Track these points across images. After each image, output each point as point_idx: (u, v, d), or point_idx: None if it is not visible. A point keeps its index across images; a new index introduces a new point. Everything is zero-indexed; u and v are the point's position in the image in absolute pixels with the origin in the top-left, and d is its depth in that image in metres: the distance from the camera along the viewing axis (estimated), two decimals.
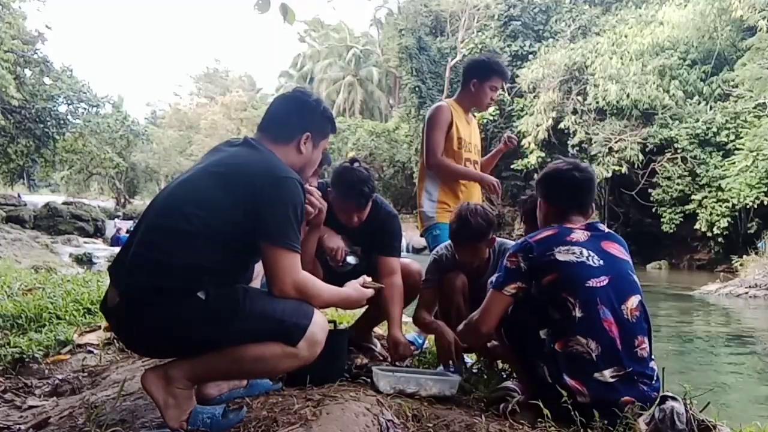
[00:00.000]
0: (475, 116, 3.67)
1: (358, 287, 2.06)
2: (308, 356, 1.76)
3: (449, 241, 2.76)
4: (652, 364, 2.02)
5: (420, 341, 3.20)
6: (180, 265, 1.68)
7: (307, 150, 1.97)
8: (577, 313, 1.93)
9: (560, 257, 2.02)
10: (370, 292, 2.10)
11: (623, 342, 1.94)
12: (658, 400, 2.10)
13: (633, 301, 2.01)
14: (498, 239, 2.73)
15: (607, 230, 2.18)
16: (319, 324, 1.77)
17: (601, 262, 2.03)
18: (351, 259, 2.72)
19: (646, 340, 2.00)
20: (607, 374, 1.91)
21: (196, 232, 1.69)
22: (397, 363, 2.62)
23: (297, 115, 1.97)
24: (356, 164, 2.64)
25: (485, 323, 2.14)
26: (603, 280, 1.99)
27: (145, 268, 1.70)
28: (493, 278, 2.17)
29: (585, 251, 2.04)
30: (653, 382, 2.00)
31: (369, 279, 2.14)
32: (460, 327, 2.32)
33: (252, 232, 1.72)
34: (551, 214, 2.23)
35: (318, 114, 2.01)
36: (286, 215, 1.73)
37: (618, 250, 2.14)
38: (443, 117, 3.34)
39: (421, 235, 3.51)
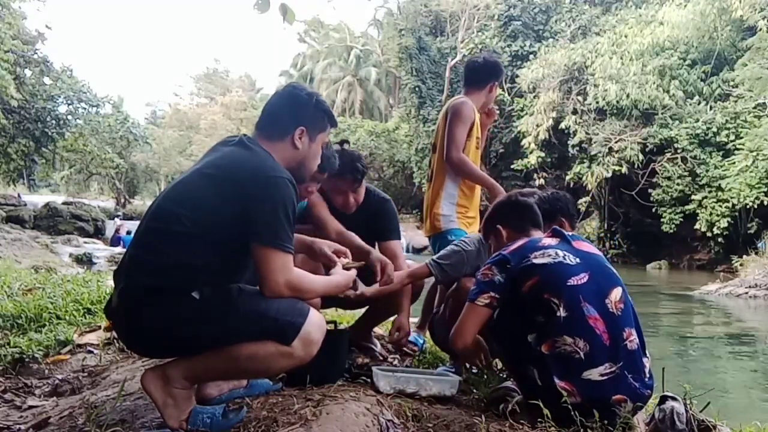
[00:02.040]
0: None
1: (341, 271, 2.07)
2: (303, 356, 1.74)
3: (476, 237, 2.71)
4: (644, 359, 2.01)
5: (420, 341, 3.20)
6: (175, 265, 1.68)
7: (303, 145, 1.93)
8: (562, 313, 1.93)
9: (537, 261, 2.03)
10: (353, 273, 2.12)
11: (611, 337, 1.93)
12: (658, 399, 2.10)
13: (616, 293, 2.01)
14: None
15: (570, 233, 2.20)
16: (315, 323, 1.75)
17: (578, 259, 2.04)
18: None
19: (634, 331, 1.99)
20: (596, 373, 1.89)
21: (189, 233, 1.69)
22: (397, 363, 2.62)
23: (289, 110, 1.94)
24: (346, 145, 2.74)
25: (461, 336, 2.15)
26: (583, 277, 1.99)
27: (142, 269, 1.71)
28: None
29: (560, 252, 2.05)
30: (646, 378, 1.99)
31: (347, 259, 2.16)
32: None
33: (245, 233, 1.70)
34: (513, 234, 2.28)
35: (311, 107, 1.96)
36: (275, 214, 1.70)
37: (589, 246, 2.17)
38: (470, 114, 3.26)
39: (429, 237, 3.37)
